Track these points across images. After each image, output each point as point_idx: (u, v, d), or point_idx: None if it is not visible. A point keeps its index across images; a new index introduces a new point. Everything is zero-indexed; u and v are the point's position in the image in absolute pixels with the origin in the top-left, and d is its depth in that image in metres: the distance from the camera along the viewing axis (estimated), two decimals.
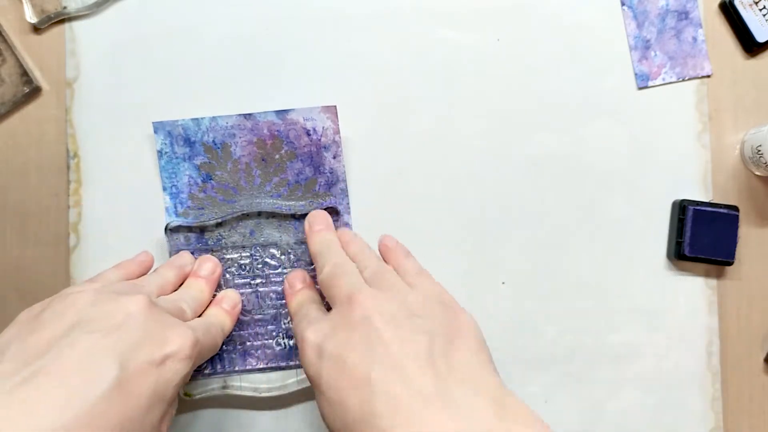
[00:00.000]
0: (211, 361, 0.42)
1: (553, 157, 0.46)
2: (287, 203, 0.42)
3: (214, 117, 0.42)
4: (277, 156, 0.42)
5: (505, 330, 0.45)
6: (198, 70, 0.46)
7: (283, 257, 0.42)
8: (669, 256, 0.46)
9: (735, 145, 0.46)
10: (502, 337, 0.45)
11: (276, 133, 0.42)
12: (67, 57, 0.45)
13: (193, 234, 0.42)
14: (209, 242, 0.42)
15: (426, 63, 0.46)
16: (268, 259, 0.42)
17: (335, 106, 0.42)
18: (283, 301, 0.42)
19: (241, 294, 0.42)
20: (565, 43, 0.46)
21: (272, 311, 0.42)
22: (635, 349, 0.46)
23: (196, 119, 0.42)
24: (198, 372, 0.42)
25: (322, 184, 0.42)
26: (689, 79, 0.46)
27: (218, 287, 0.42)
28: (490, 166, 0.46)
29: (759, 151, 0.44)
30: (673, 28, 0.46)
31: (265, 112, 0.42)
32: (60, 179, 0.45)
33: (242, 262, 0.42)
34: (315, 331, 0.32)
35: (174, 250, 0.42)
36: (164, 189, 0.42)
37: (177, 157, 0.42)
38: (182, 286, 0.39)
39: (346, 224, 0.43)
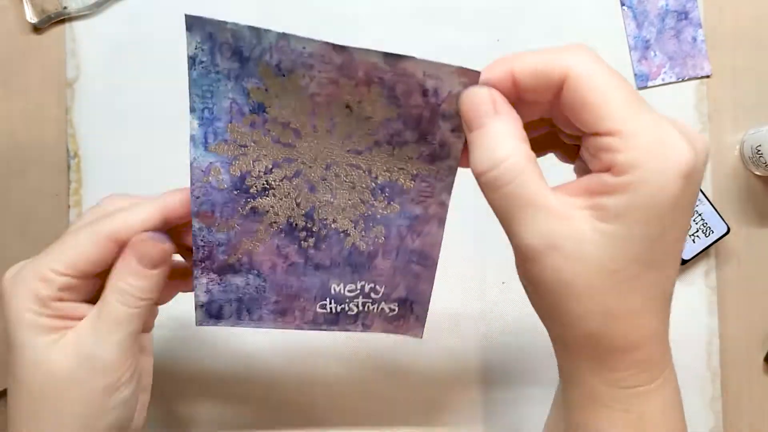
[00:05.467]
0: (237, 312, 0.35)
1: (552, 156, 0.46)
2: (367, 163, 0.32)
3: (285, 34, 0.29)
4: (369, 108, 0.30)
5: (506, 330, 0.45)
6: None
7: (351, 227, 0.33)
8: None
9: (735, 145, 0.46)
10: (502, 337, 0.45)
11: (376, 80, 0.29)
12: (67, 57, 0.46)
13: (228, 177, 0.32)
14: (251, 190, 0.32)
15: None
16: (330, 222, 0.33)
17: (479, 73, 0.29)
18: (338, 267, 0.34)
19: (284, 248, 0.34)
20: (565, 43, 0.46)
21: (320, 274, 0.34)
22: None
23: (256, 29, 0.30)
24: (219, 319, 0.35)
25: (424, 154, 0.31)
26: (689, 79, 0.46)
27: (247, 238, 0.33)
28: None
29: (759, 151, 0.44)
30: (673, 28, 0.46)
31: (367, 49, 0.29)
32: (60, 179, 0.45)
33: (295, 222, 0.33)
34: None
35: (200, 194, 0.32)
36: (192, 110, 0.30)
37: (218, 72, 0.30)
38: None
39: (442, 203, 0.33)
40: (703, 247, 0.44)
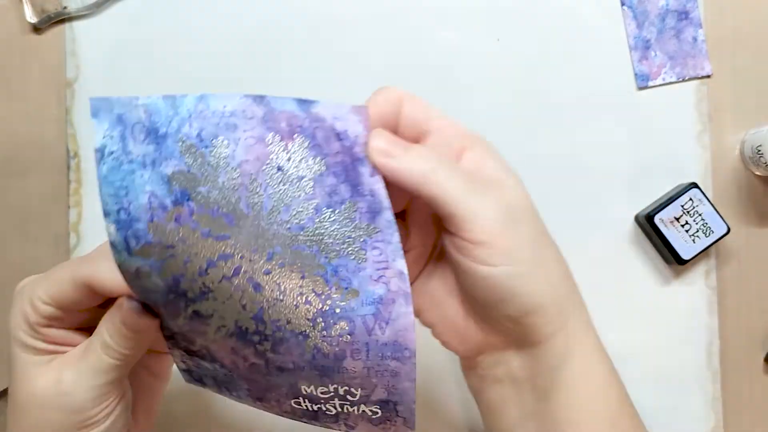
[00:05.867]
0: (217, 386, 0.33)
1: (552, 156, 0.46)
2: (313, 239, 0.28)
3: (202, 96, 0.26)
4: (299, 165, 0.28)
5: None
6: (197, 70, 0.46)
7: (308, 327, 0.29)
8: (668, 262, 0.46)
9: (735, 145, 0.46)
10: None
11: (298, 129, 0.27)
12: (67, 57, 0.46)
13: (161, 280, 0.28)
14: (188, 294, 0.28)
15: (426, 63, 0.46)
16: (284, 324, 0.29)
17: (366, 108, 0.29)
18: (303, 370, 0.30)
19: (240, 349, 0.30)
20: (565, 43, 0.46)
21: (286, 376, 0.30)
22: (635, 349, 0.46)
23: (171, 97, 0.26)
24: (203, 384, 0.33)
25: (363, 210, 0.28)
26: (689, 79, 0.46)
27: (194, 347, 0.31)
28: None
29: (759, 150, 0.44)
30: (673, 28, 0.46)
31: (282, 98, 0.27)
32: (60, 179, 0.45)
33: (244, 326, 0.29)
34: None
35: (138, 294, 0.28)
36: (106, 214, 0.26)
37: (131, 161, 0.26)
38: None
39: (400, 272, 0.28)
40: (704, 247, 0.44)
